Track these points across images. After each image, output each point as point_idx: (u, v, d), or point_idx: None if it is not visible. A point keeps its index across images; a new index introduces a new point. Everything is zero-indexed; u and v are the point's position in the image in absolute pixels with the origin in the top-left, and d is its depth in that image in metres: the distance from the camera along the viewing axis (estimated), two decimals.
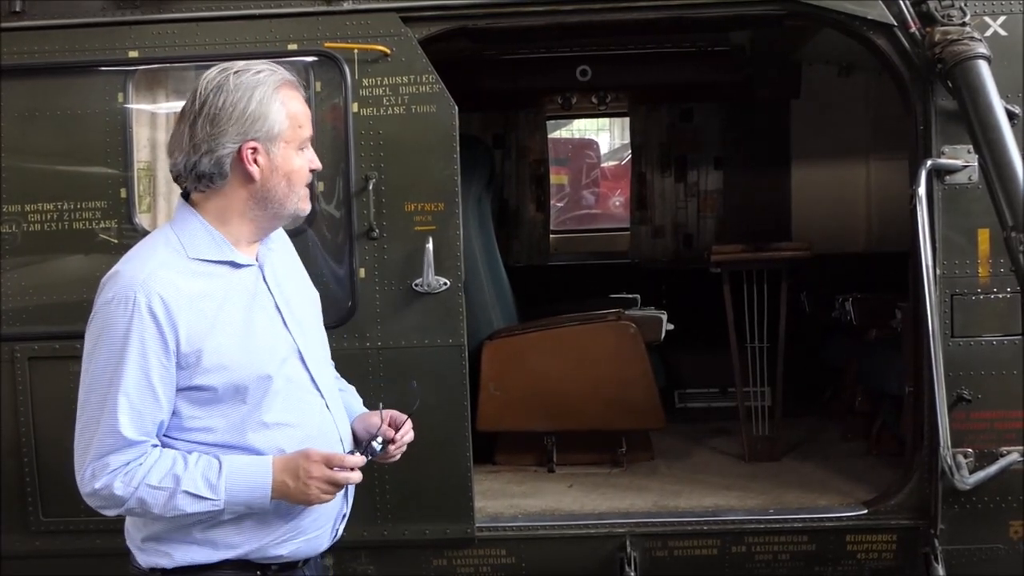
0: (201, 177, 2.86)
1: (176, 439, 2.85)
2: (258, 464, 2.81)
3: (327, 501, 2.86)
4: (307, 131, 2.92)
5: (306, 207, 2.97)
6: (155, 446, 2.81)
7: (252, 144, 2.83)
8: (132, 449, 2.75)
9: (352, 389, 3.35)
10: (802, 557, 5.02)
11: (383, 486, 4.90)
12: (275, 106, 2.84)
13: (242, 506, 2.81)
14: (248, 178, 2.86)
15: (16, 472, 4.96)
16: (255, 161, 2.84)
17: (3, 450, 4.96)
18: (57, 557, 4.99)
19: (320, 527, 2.99)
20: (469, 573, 5.04)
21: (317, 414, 2.96)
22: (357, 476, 2.86)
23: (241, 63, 2.90)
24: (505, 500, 5.46)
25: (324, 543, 3.04)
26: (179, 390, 2.80)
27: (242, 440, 2.85)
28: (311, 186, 4.71)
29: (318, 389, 2.98)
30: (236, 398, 2.83)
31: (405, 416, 3.07)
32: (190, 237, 2.89)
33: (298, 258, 3.27)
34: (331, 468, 2.80)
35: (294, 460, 2.81)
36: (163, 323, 2.73)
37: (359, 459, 2.88)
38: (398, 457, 3.09)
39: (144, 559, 2.92)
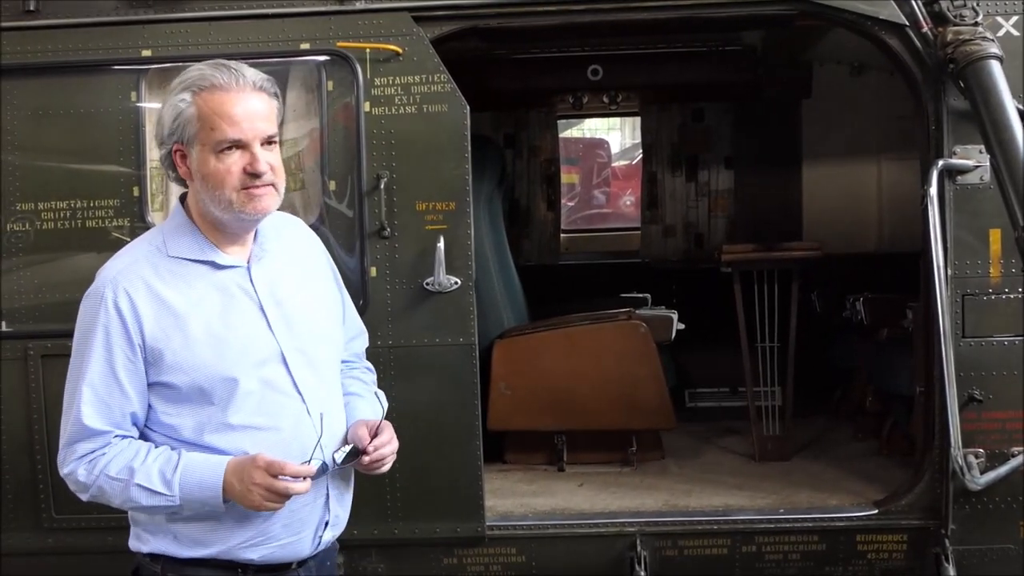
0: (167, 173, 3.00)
1: (155, 432, 2.92)
2: (212, 464, 2.84)
3: (274, 509, 2.84)
4: (224, 134, 2.83)
5: (251, 208, 2.88)
6: (123, 436, 2.87)
7: (178, 147, 2.89)
8: (97, 438, 2.84)
9: (373, 396, 3.28)
10: (812, 557, 5.02)
11: (394, 485, 4.91)
12: (177, 109, 2.86)
13: (198, 504, 2.84)
14: (187, 179, 2.94)
15: (28, 469, 4.98)
16: (183, 163, 2.91)
17: (16, 447, 4.98)
18: (68, 554, 5.01)
19: (295, 533, 2.98)
20: (479, 572, 5.05)
21: (292, 418, 2.95)
22: (300, 486, 2.82)
23: (203, 63, 2.92)
24: (515, 499, 5.47)
25: (304, 550, 3.02)
26: (149, 385, 2.87)
27: (208, 440, 2.89)
28: (323, 184, 4.83)
29: (299, 393, 2.96)
30: (202, 398, 2.87)
31: (387, 425, 3.05)
32: (172, 236, 2.96)
33: (322, 258, 3.27)
34: (274, 475, 2.78)
35: (243, 463, 2.82)
36: (127, 318, 2.81)
37: (304, 468, 2.83)
38: (383, 470, 3.05)
39: (132, 543, 3.02)
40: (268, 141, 2.90)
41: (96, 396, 2.82)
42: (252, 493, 2.78)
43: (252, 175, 2.86)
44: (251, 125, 2.85)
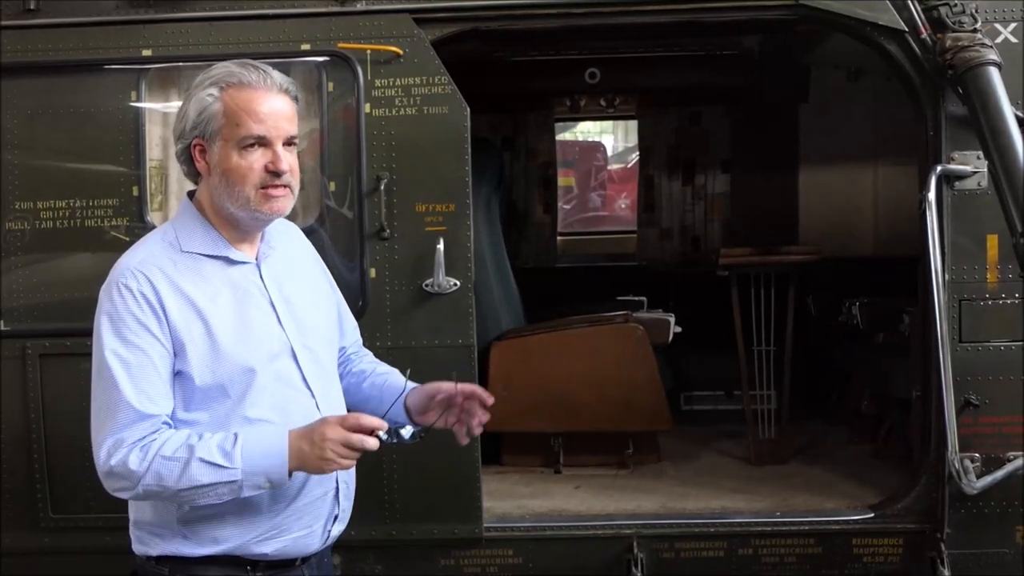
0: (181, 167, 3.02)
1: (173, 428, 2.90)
2: (272, 432, 2.83)
3: (345, 467, 2.83)
4: (249, 130, 2.86)
5: (267, 208, 2.91)
6: (168, 425, 2.85)
7: (198, 141, 2.91)
8: (146, 423, 2.80)
9: (392, 371, 3.37)
10: (808, 560, 5.02)
11: (391, 486, 4.91)
12: (203, 103, 2.88)
13: (261, 476, 2.79)
14: (204, 174, 2.96)
15: (26, 468, 4.97)
16: (202, 158, 2.93)
17: (14, 446, 4.97)
18: (65, 554, 4.98)
19: (307, 527, 2.99)
20: (476, 573, 5.04)
21: (302, 412, 2.96)
22: (373, 443, 2.80)
23: (229, 62, 2.95)
24: (512, 500, 5.47)
25: (314, 543, 3.04)
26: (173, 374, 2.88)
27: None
28: (323, 185, 4.84)
29: (309, 388, 3.00)
30: (219, 391, 2.87)
31: (475, 387, 3.12)
32: (185, 231, 2.97)
33: (315, 261, 3.32)
34: (348, 428, 2.78)
35: (310, 426, 2.82)
36: (155, 306, 2.83)
37: (378, 421, 2.83)
38: (476, 427, 3.15)
39: (137, 547, 3.00)
40: (289, 142, 2.94)
41: (136, 385, 2.79)
42: (326, 450, 2.76)
43: (273, 173, 2.89)
44: (275, 124, 2.89)
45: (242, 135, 2.87)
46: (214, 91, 2.88)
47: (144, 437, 2.79)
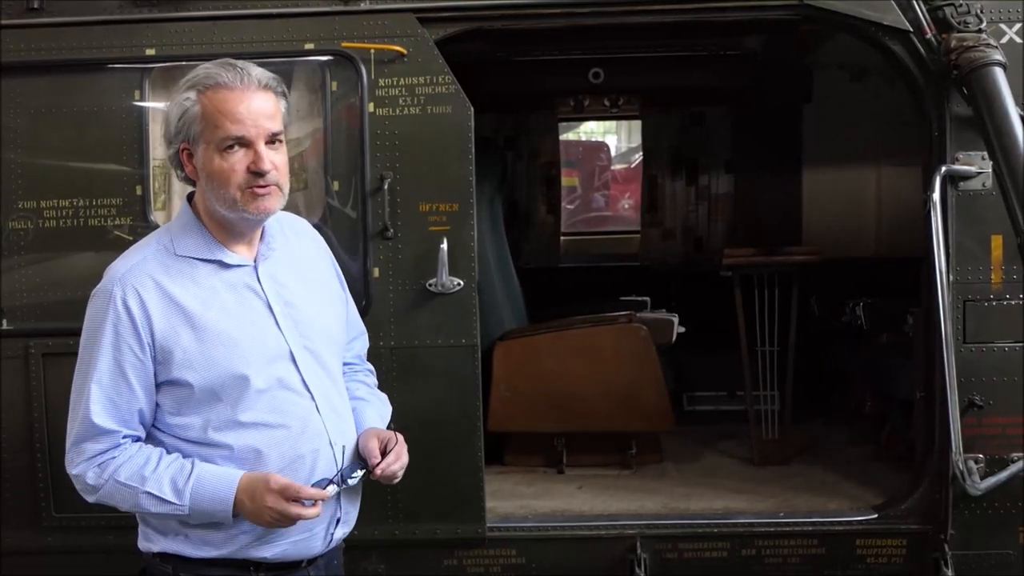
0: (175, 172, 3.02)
1: (162, 432, 2.92)
2: (225, 478, 2.84)
3: (283, 527, 2.86)
4: (228, 131, 2.82)
5: (254, 207, 2.87)
6: (135, 438, 2.89)
7: (184, 146, 2.89)
8: (105, 437, 2.85)
9: (379, 400, 3.35)
10: (812, 560, 5.02)
11: (394, 486, 4.87)
12: (182, 108, 2.86)
13: (207, 515, 2.85)
14: (193, 178, 2.95)
15: (28, 467, 4.97)
16: (189, 162, 2.92)
17: (16, 445, 4.97)
18: (68, 553, 5.00)
19: (307, 530, 2.97)
20: (479, 573, 5.04)
21: (302, 416, 2.95)
22: (312, 512, 2.84)
23: (210, 63, 2.93)
24: (515, 500, 5.47)
25: (316, 546, 3.03)
26: (158, 384, 2.88)
27: (218, 438, 2.89)
28: (326, 185, 4.84)
29: (309, 391, 2.97)
30: (212, 396, 2.87)
31: (397, 439, 3.08)
32: (180, 235, 2.96)
33: (326, 259, 3.28)
34: (288, 499, 2.80)
35: (256, 482, 2.82)
36: (137, 316, 2.82)
37: (320, 492, 2.86)
38: (395, 482, 3.08)
39: (142, 543, 3.01)
40: (273, 140, 2.89)
41: (104, 394, 2.83)
42: (263, 514, 2.81)
43: (256, 173, 2.85)
44: (255, 123, 2.85)
45: (221, 137, 2.83)
46: (192, 95, 2.85)
47: (105, 451, 2.85)
